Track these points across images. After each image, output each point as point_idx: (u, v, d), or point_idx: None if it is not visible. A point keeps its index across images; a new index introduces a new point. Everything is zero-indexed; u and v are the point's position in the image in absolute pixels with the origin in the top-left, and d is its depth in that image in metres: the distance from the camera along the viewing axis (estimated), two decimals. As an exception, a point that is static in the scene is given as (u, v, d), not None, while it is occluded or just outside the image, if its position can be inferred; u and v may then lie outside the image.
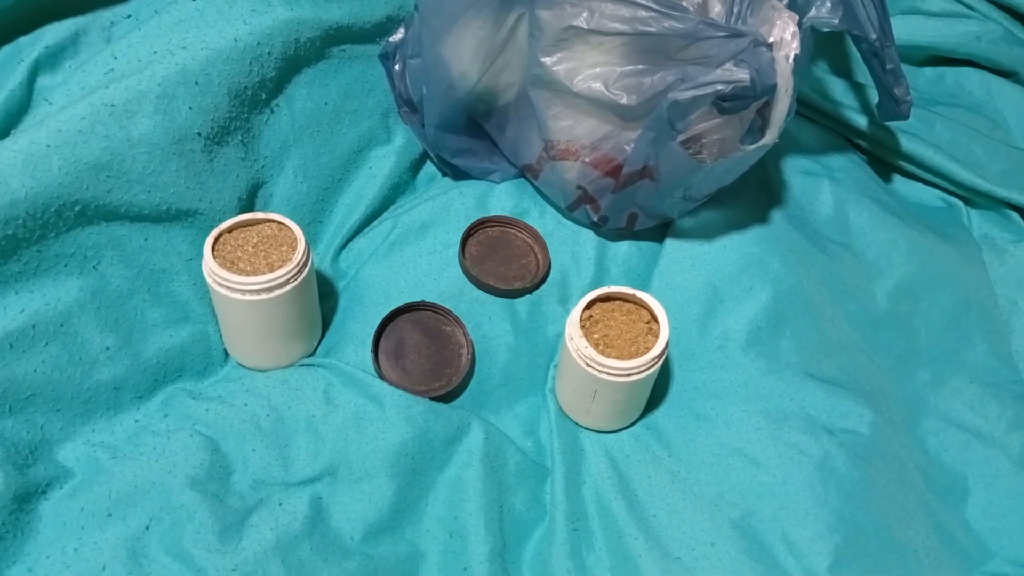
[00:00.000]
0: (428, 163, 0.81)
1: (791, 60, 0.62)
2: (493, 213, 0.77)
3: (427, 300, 0.70)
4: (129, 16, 0.68)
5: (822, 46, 0.96)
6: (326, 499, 0.59)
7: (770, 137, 0.66)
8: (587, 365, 0.61)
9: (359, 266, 0.73)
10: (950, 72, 1.00)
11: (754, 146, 0.66)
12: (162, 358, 0.63)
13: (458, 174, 0.79)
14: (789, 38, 0.63)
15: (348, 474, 0.60)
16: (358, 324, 0.69)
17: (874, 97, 0.80)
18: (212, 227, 0.61)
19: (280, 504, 0.58)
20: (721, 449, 0.66)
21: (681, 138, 0.63)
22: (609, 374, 0.60)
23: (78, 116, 0.57)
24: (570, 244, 0.75)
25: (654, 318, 0.63)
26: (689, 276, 0.74)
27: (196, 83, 0.62)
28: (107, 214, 0.59)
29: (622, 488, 0.63)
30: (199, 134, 0.63)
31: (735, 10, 0.64)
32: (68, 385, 0.58)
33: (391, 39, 0.76)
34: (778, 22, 0.63)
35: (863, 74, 0.94)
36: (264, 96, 0.68)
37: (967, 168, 0.88)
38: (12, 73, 0.63)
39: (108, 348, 0.60)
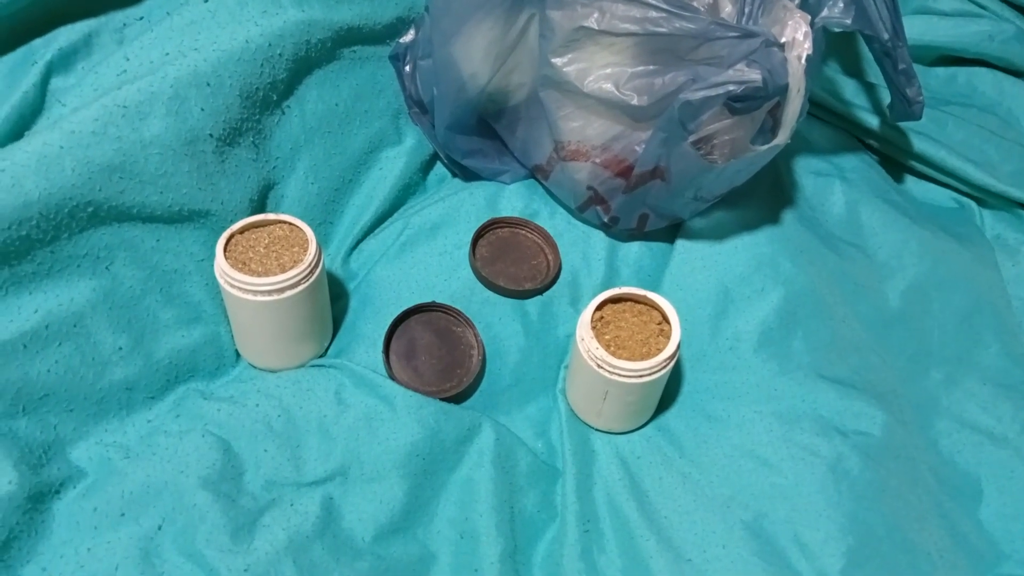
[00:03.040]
0: (438, 164, 0.81)
1: (803, 60, 0.62)
2: (503, 214, 0.77)
3: (438, 301, 0.70)
4: (141, 18, 0.68)
5: (834, 46, 0.96)
6: (338, 500, 0.59)
7: (782, 138, 0.65)
8: (598, 367, 0.60)
9: (370, 267, 0.73)
10: (962, 72, 1.00)
11: (766, 147, 0.66)
12: (174, 359, 0.63)
13: (468, 175, 0.79)
14: (801, 38, 0.63)
15: (359, 475, 0.60)
16: (369, 325, 0.69)
17: (886, 97, 0.80)
18: (224, 228, 0.61)
19: (292, 504, 0.58)
20: (733, 451, 0.66)
21: (692, 139, 0.63)
22: (620, 376, 0.60)
23: (91, 118, 0.58)
24: (581, 245, 0.75)
25: (665, 319, 0.63)
26: (700, 277, 0.74)
27: (208, 84, 0.62)
28: (119, 215, 0.60)
29: (633, 490, 0.63)
30: (211, 135, 0.63)
31: (747, 10, 0.63)
32: (81, 385, 0.58)
33: (402, 40, 0.76)
34: (790, 22, 0.63)
35: (875, 74, 0.94)
36: (275, 97, 0.68)
37: (979, 168, 0.87)
38: (26, 75, 0.63)
39: (121, 349, 0.60)
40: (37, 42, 0.65)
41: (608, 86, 0.64)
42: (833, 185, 0.84)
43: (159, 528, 0.55)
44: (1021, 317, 0.82)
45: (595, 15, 0.62)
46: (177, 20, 0.64)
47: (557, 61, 0.65)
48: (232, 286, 0.59)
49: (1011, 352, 0.78)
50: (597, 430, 0.67)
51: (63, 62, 0.65)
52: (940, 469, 0.71)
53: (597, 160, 0.70)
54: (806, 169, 0.85)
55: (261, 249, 0.61)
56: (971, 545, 0.67)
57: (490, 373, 0.69)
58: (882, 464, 0.66)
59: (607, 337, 0.62)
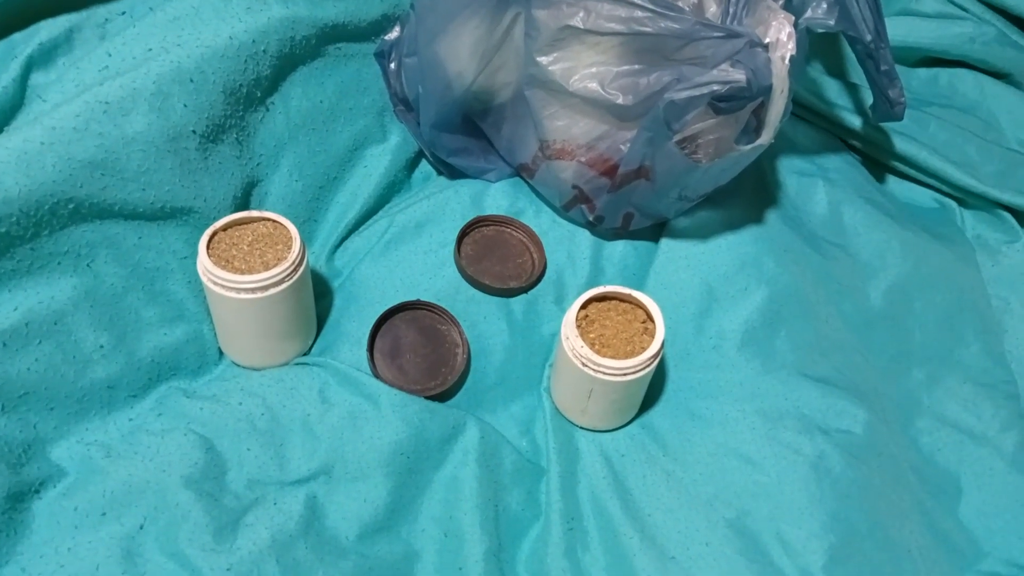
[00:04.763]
0: (423, 162, 0.81)
1: (787, 61, 0.62)
2: (489, 212, 0.77)
3: (423, 299, 0.70)
4: (124, 13, 0.67)
5: (817, 47, 0.97)
6: (321, 498, 0.59)
7: (765, 138, 0.66)
8: (583, 365, 0.61)
9: (354, 265, 0.73)
10: (944, 73, 1.01)
11: (749, 146, 0.66)
12: (156, 357, 0.63)
13: (454, 173, 0.79)
14: (785, 39, 0.63)
15: (343, 473, 0.60)
16: (353, 323, 0.69)
17: (868, 98, 0.80)
18: (207, 225, 0.61)
19: (275, 503, 0.57)
20: (716, 449, 0.66)
21: (677, 138, 0.63)
22: (605, 374, 0.60)
23: (72, 114, 0.57)
24: (566, 243, 0.75)
25: (650, 318, 0.63)
26: (685, 276, 0.74)
27: (191, 81, 0.62)
28: (101, 212, 0.59)
29: (617, 487, 0.63)
30: (194, 132, 0.62)
31: (731, 11, 0.64)
32: (62, 384, 0.58)
33: (387, 37, 0.76)
34: (774, 23, 0.63)
35: (858, 75, 0.94)
36: (259, 94, 0.67)
37: (961, 169, 0.88)
38: (6, 70, 0.62)
39: (102, 347, 0.60)
40: (17, 36, 0.64)
41: (593, 85, 0.64)
42: (816, 185, 0.84)
43: (141, 527, 0.54)
44: (1001, 317, 0.82)
45: (580, 14, 0.62)
46: (160, 16, 0.64)
47: (543, 60, 0.65)
48: (215, 284, 0.58)
49: (991, 351, 0.79)
50: (582, 428, 0.67)
51: (44, 57, 0.64)
52: (921, 467, 0.71)
53: (582, 159, 0.70)
54: (790, 169, 0.85)
55: (244, 247, 0.60)
56: (951, 542, 0.68)
57: (475, 371, 0.69)
58: (864, 462, 0.66)
59: (592, 335, 0.62)
